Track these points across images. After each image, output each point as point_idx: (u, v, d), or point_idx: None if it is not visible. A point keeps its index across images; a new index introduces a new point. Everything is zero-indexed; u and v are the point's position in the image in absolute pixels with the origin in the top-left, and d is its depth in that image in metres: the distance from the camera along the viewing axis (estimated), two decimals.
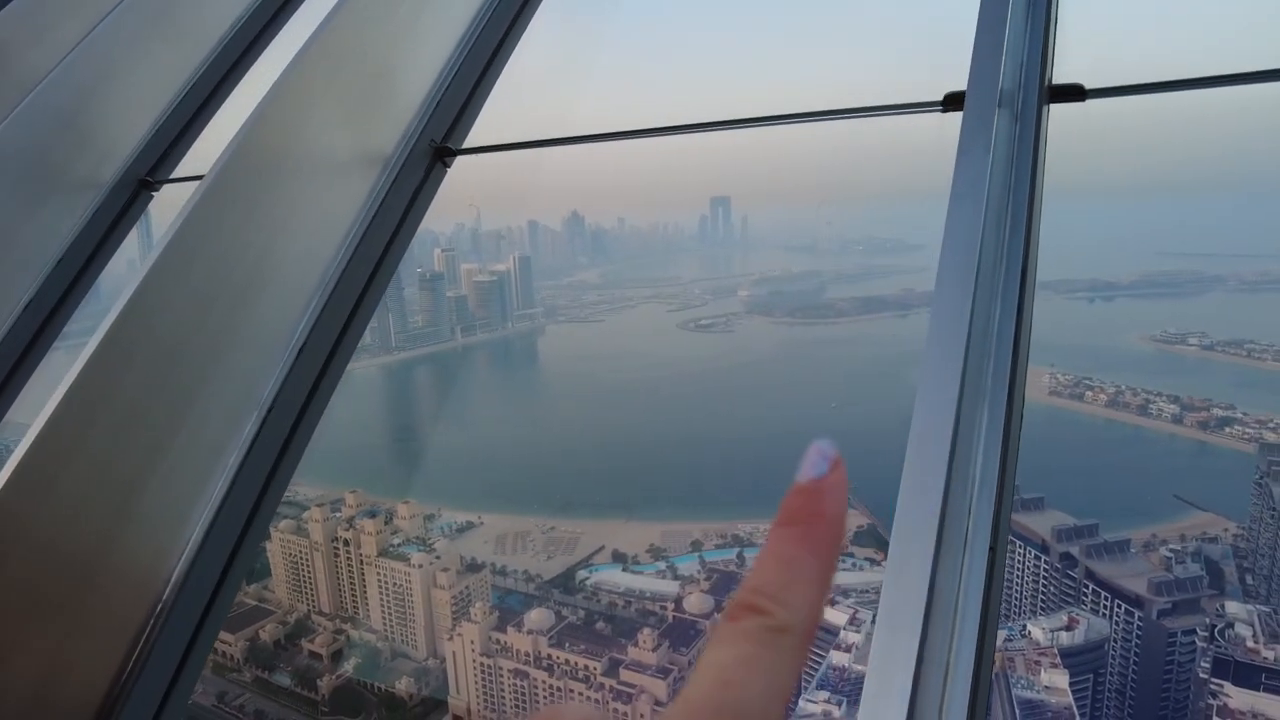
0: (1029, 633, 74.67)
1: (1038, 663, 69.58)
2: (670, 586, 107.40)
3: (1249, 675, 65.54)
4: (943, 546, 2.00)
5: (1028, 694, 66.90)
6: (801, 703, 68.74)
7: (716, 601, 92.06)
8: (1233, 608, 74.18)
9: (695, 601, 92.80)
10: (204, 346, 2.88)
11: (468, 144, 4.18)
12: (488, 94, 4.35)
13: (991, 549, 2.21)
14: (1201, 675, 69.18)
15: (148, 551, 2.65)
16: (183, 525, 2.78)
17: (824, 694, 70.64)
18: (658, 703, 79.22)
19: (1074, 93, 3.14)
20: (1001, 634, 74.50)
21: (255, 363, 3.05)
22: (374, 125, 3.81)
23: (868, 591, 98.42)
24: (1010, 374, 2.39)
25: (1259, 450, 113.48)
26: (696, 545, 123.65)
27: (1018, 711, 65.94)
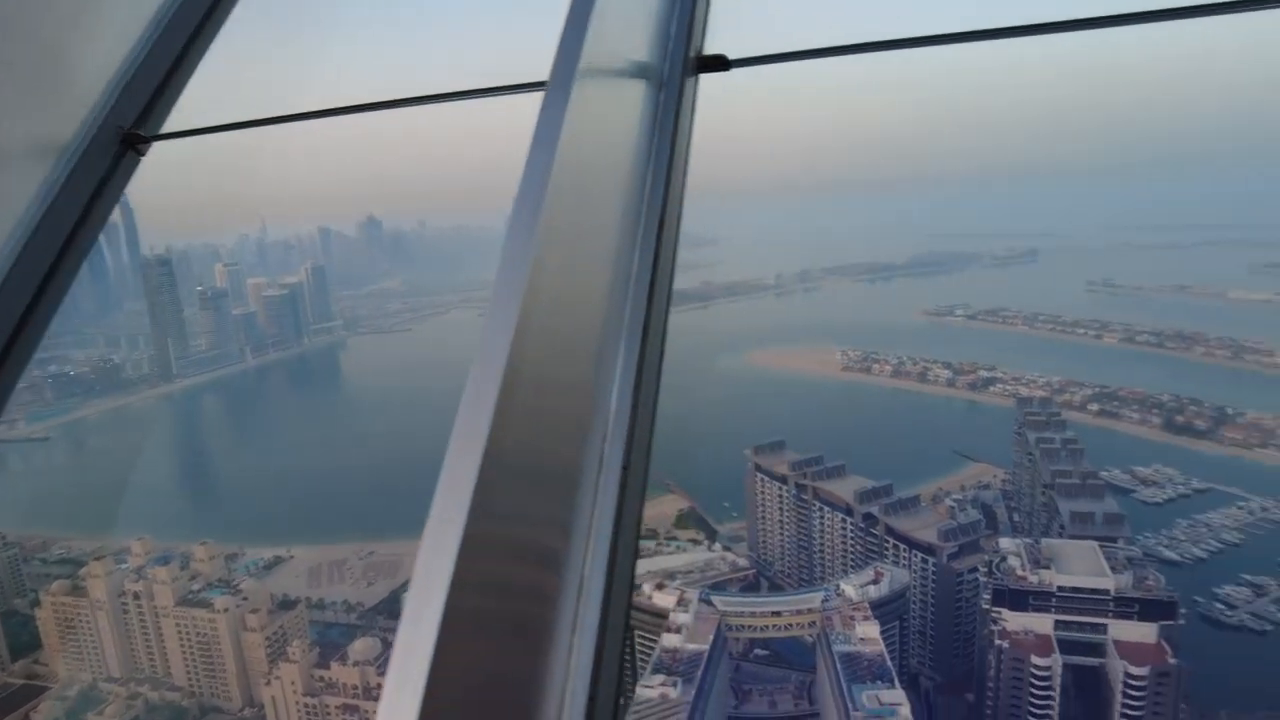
0: (842, 591, 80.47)
1: (852, 618, 75.03)
2: None
3: (1020, 600, 74.60)
4: (583, 470, 2.14)
5: (845, 648, 71.92)
6: (639, 689, 69.80)
7: None
8: (1005, 544, 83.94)
9: None
10: None
11: (167, 129, 3.86)
12: (189, 76, 4.03)
13: (624, 467, 2.33)
14: (985, 606, 77.85)
15: None
16: None
17: (659, 677, 72.31)
18: None
19: (718, 64, 3.45)
20: (818, 595, 79.72)
21: None
22: (47, 110, 3.46)
23: (693, 572, 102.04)
24: (646, 314, 2.63)
25: (1017, 403, 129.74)
26: None
27: (839, 667, 70.61)
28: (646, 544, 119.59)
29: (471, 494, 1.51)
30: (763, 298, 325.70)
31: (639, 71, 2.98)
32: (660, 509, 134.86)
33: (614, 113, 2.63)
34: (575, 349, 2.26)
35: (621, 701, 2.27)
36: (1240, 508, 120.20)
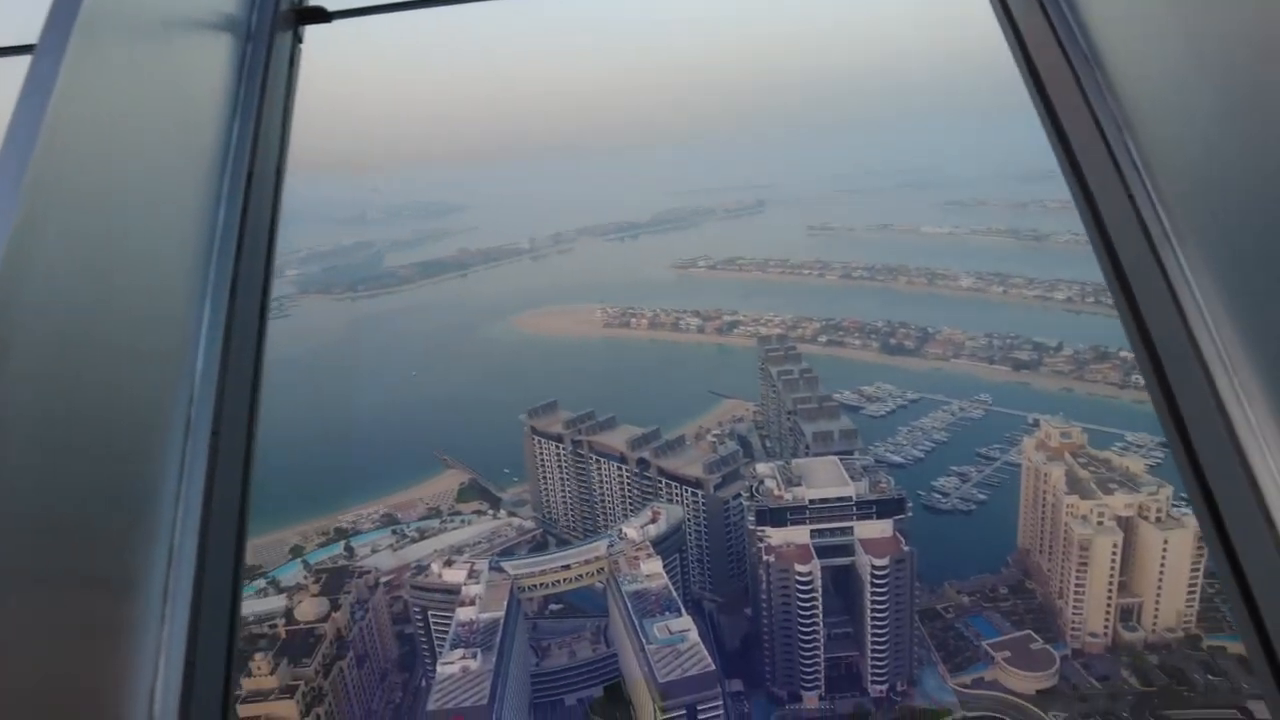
0: (625, 535, 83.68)
1: (636, 558, 78.48)
2: (275, 602, 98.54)
3: (779, 517, 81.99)
4: (165, 437, 2.19)
5: (634, 587, 75.35)
6: (439, 667, 68.74)
7: (332, 602, 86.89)
8: (761, 468, 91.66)
9: (309, 608, 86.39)
10: None
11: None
12: None
13: (215, 433, 2.31)
14: (750, 527, 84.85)
15: None
16: None
17: (458, 652, 71.45)
18: None
19: (318, 16, 3.51)
20: (603, 543, 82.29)
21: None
22: None
23: (480, 543, 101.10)
24: (234, 272, 2.58)
25: (758, 342, 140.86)
26: (297, 550, 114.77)
27: (629, 605, 73.81)
28: (430, 524, 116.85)
29: None
30: (519, 261, 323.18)
31: (222, 24, 2.94)
32: (439, 486, 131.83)
33: (160, 66, 2.52)
34: (136, 312, 2.17)
35: (233, 678, 2.27)
36: (945, 410, 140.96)
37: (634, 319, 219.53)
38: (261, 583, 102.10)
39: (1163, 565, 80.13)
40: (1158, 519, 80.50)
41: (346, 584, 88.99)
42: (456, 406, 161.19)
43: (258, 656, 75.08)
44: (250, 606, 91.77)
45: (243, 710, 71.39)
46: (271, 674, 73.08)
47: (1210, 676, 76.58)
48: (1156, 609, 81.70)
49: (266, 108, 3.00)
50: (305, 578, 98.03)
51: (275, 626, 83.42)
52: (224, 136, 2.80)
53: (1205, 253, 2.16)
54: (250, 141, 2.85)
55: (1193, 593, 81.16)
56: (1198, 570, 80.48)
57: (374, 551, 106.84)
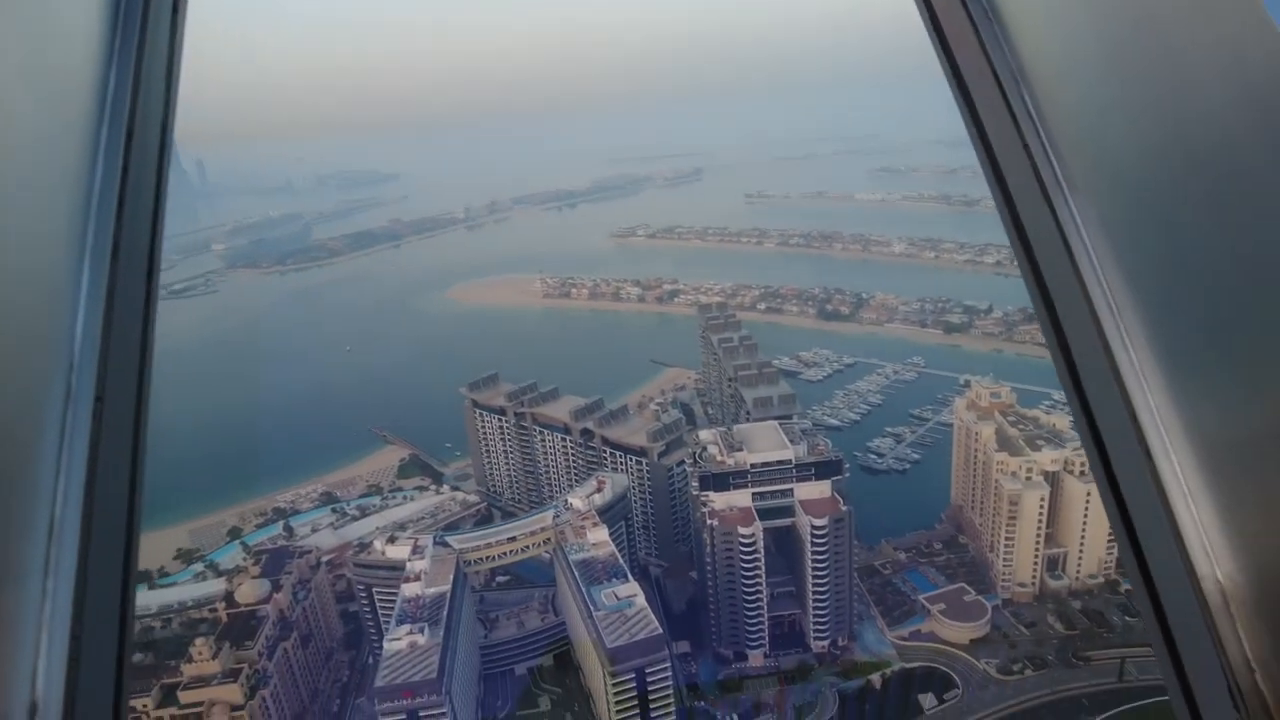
0: (570, 505, 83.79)
1: (582, 528, 78.72)
2: (215, 586, 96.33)
3: (722, 481, 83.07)
4: (44, 405, 2.11)
5: (580, 556, 75.60)
6: (386, 644, 68.12)
7: (273, 583, 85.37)
8: (704, 435, 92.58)
9: (249, 590, 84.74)
10: None
11: None
12: None
13: (98, 399, 2.23)
14: (694, 493, 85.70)
15: None
16: None
17: (405, 628, 70.90)
18: (236, 708, 71.70)
19: None
20: (549, 514, 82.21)
21: None
22: None
23: (424, 518, 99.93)
24: (115, 230, 2.48)
25: (699, 310, 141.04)
26: (235, 533, 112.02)
27: (576, 574, 74.06)
28: (371, 501, 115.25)
29: None
30: (455, 231, 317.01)
31: None
32: (379, 463, 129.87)
33: (20, 5, 2.40)
34: (3, 274, 2.10)
35: (126, 657, 2.19)
36: (879, 374, 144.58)
37: (574, 289, 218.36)
38: (199, 566, 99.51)
39: (1085, 516, 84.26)
40: (1081, 473, 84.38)
41: (287, 564, 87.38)
42: (394, 382, 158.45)
43: (198, 641, 73.42)
44: (189, 591, 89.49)
45: (185, 696, 69.97)
46: (214, 658, 71.58)
47: (1127, 618, 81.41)
48: (1080, 558, 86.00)
49: (148, 55, 2.80)
50: (245, 559, 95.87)
51: (215, 610, 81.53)
52: (99, 86, 2.61)
53: (1095, 200, 2.24)
54: (130, 92, 2.67)
55: (1112, 540, 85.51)
56: None
57: (314, 531, 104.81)
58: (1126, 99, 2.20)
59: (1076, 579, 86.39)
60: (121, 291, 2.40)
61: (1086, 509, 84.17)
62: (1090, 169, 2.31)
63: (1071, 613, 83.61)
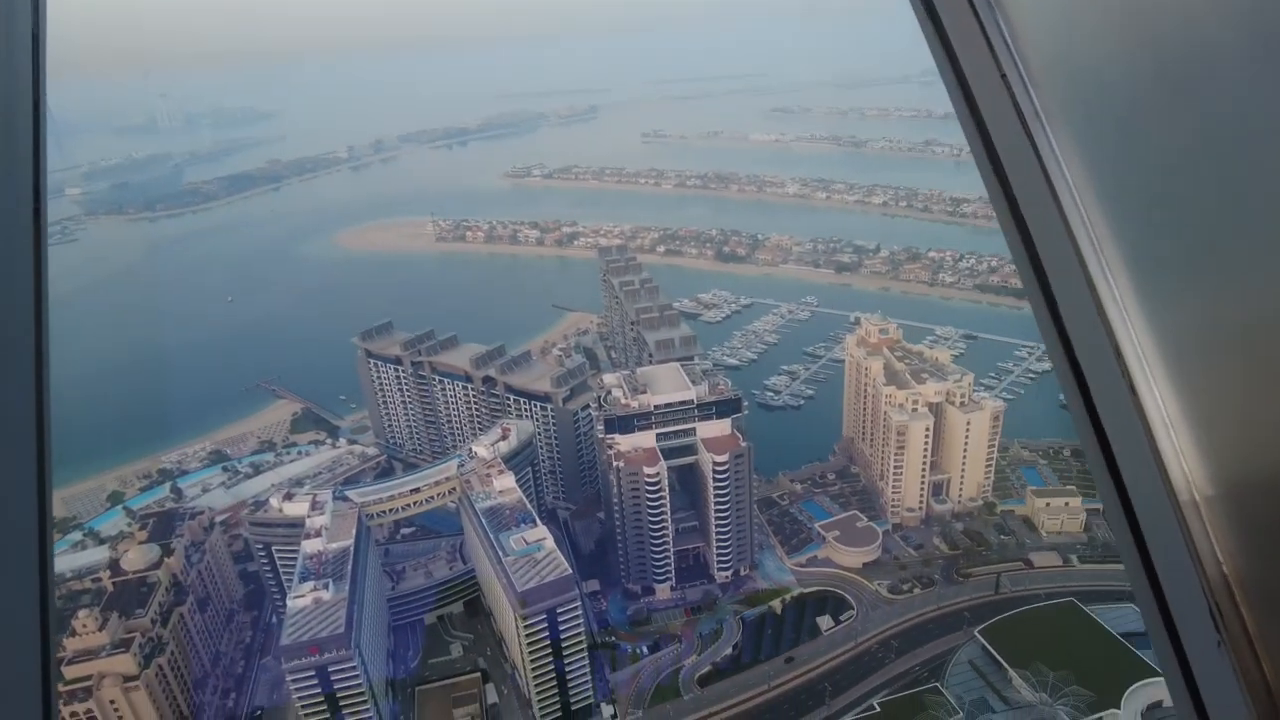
0: (475, 454, 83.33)
1: (488, 475, 78.48)
2: (97, 555, 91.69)
3: (626, 424, 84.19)
4: None
5: (487, 504, 75.47)
6: (289, 601, 66.69)
7: (164, 547, 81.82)
8: (608, 379, 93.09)
9: (137, 556, 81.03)
10: None
11: None
12: None
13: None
14: (600, 436, 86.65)
15: None
16: None
17: (308, 585, 69.49)
18: (130, 678, 69.23)
19: None
20: (453, 463, 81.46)
21: None
22: None
23: (321, 473, 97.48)
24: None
25: (599, 253, 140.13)
26: (116, 497, 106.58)
27: (484, 521, 73.91)
28: (264, 457, 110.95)
29: None
30: (338, 172, 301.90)
31: None
32: (270, 418, 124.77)
33: None
34: None
35: (50, 624, 2.21)
36: (775, 314, 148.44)
37: (469, 232, 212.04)
38: (77, 535, 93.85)
39: (966, 444, 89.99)
40: (961, 403, 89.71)
41: (178, 527, 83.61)
42: (281, 334, 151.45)
43: (81, 614, 69.64)
44: (67, 561, 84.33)
45: (70, 671, 66.55)
46: (100, 630, 68.18)
47: (1003, 536, 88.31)
48: (961, 482, 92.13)
49: None
50: (129, 525, 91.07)
51: (99, 580, 77.41)
52: None
53: (1072, 129, 2.22)
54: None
55: (989, 466, 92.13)
56: (993, 447, 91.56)
57: (205, 491, 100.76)
58: (1105, 21, 2.17)
59: (959, 502, 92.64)
60: (4, 241, 2.26)
61: (967, 437, 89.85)
62: (1067, 98, 2.26)
63: (954, 534, 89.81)
